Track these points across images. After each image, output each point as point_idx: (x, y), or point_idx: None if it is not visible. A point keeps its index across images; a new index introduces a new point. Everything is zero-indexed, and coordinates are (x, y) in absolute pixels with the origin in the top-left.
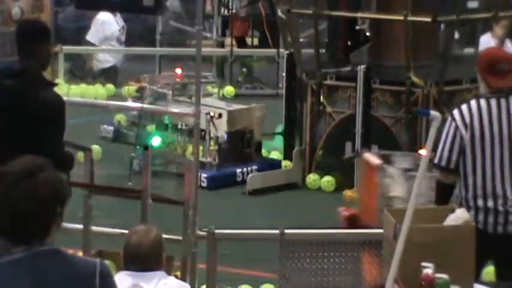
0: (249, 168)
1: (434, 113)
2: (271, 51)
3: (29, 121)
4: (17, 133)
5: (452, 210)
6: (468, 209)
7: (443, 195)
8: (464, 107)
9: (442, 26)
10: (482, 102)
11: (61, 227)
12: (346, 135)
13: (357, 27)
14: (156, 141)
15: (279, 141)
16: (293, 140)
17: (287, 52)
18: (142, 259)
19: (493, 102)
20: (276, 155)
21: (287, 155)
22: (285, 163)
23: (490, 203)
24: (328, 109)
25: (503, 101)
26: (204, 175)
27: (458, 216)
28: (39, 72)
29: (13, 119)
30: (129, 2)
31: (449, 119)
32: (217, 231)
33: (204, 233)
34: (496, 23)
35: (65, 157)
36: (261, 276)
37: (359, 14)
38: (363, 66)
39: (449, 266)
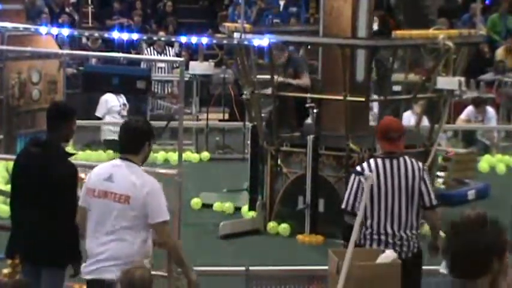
0: None
1: (367, 173)
2: (239, 123)
3: (45, 186)
4: (34, 194)
5: (383, 251)
6: (367, 241)
7: (347, 232)
8: (365, 164)
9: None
10: (379, 161)
11: None
12: (299, 190)
13: (307, 105)
14: None
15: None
16: (257, 195)
17: (251, 124)
18: None
19: (387, 161)
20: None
21: (252, 207)
22: (251, 213)
23: (383, 237)
24: (284, 170)
25: (395, 161)
26: None
27: (388, 255)
28: (59, 144)
29: (32, 182)
30: (126, 85)
31: (353, 174)
32: (195, 268)
33: None
34: (415, 102)
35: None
36: None
37: (308, 95)
38: (311, 136)
39: None
